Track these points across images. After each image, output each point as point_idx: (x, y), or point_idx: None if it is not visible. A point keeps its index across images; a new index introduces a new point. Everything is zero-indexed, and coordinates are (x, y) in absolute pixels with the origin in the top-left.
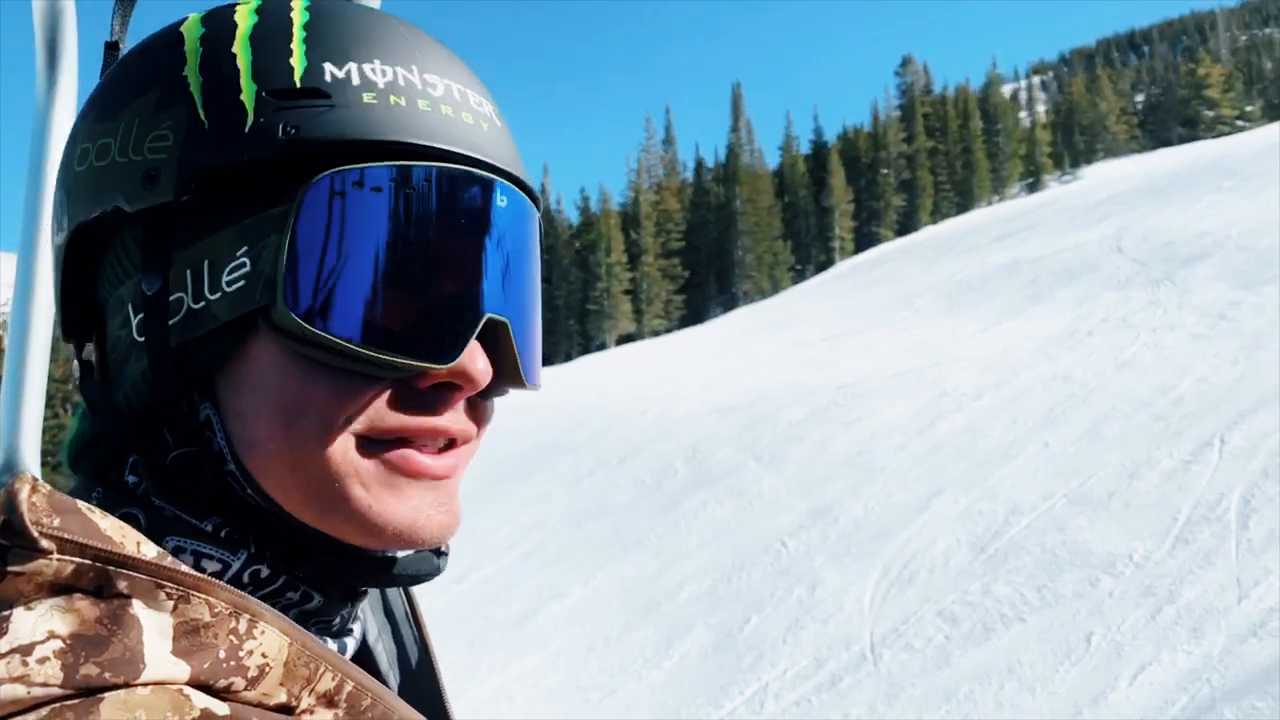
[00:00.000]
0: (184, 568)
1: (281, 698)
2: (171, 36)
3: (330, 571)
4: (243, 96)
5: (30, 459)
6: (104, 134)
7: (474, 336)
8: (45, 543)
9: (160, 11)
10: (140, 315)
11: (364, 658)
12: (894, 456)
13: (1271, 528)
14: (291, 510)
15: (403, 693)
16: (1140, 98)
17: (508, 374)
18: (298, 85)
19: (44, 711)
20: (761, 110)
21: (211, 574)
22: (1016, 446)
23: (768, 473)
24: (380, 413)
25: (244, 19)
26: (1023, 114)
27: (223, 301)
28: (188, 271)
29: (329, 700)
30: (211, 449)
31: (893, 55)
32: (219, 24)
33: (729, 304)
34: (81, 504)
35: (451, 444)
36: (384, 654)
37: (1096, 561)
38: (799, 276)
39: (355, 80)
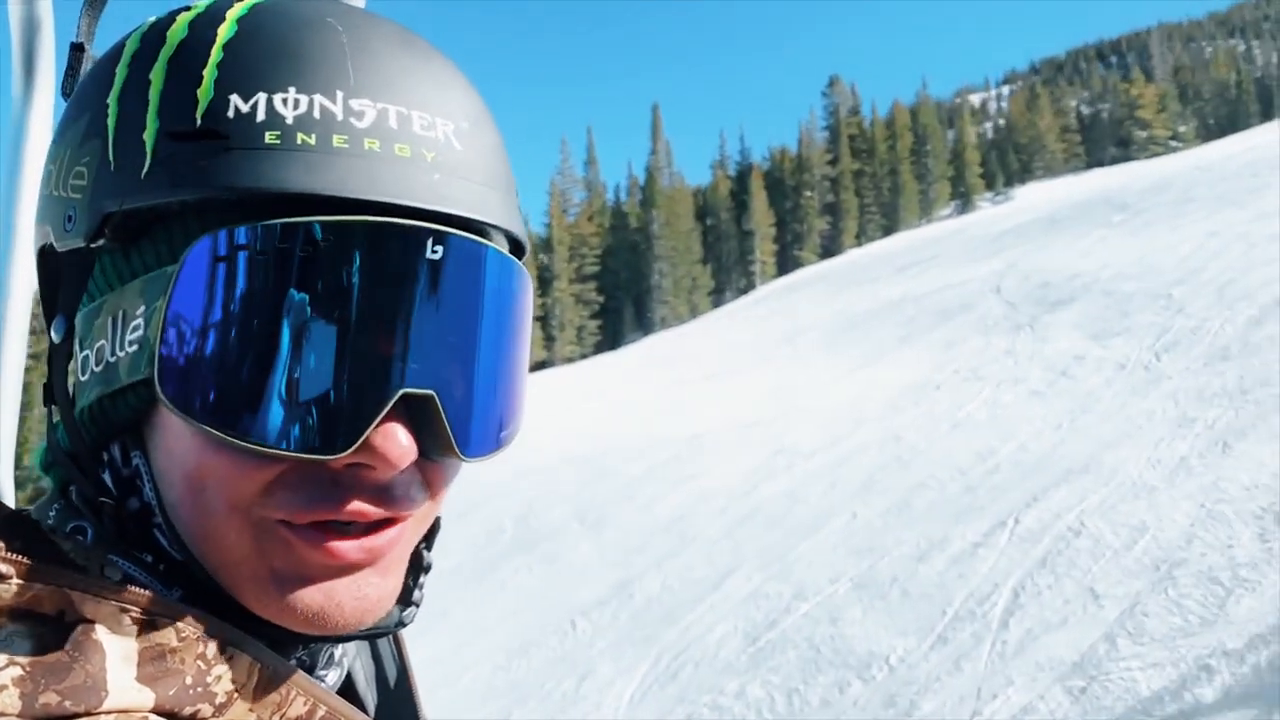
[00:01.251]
0: (150, 593)
1: None
2: (114, 50)
3: (265, 630)
4: (145, 135)
5: (4, 480)
6: (52, 158)
7: (381, 417)
8: (4, 567)
9: (131, 14)
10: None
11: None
12: (710, 523)
13: (1029, 628)
14: (212, 575)
15: (380, 713)
16: (1089, 112)
17: (440, 447)
18: (198, 123)
19: None
20: (694, 130)
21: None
22: (826, 517)
23: (587, 537)
24: (290, 496)
25: (175, 33)
26: (987, 124)
27: (123, 363)
28: (109, 319)
29: None
30: (142, 497)
31: (826, 74)
32: (153, 38)
33: (647, 329)
34: (45, 526)
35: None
36: (360, 672)
37: (855, 661)
38: (719, 301)
39: (260, 115)
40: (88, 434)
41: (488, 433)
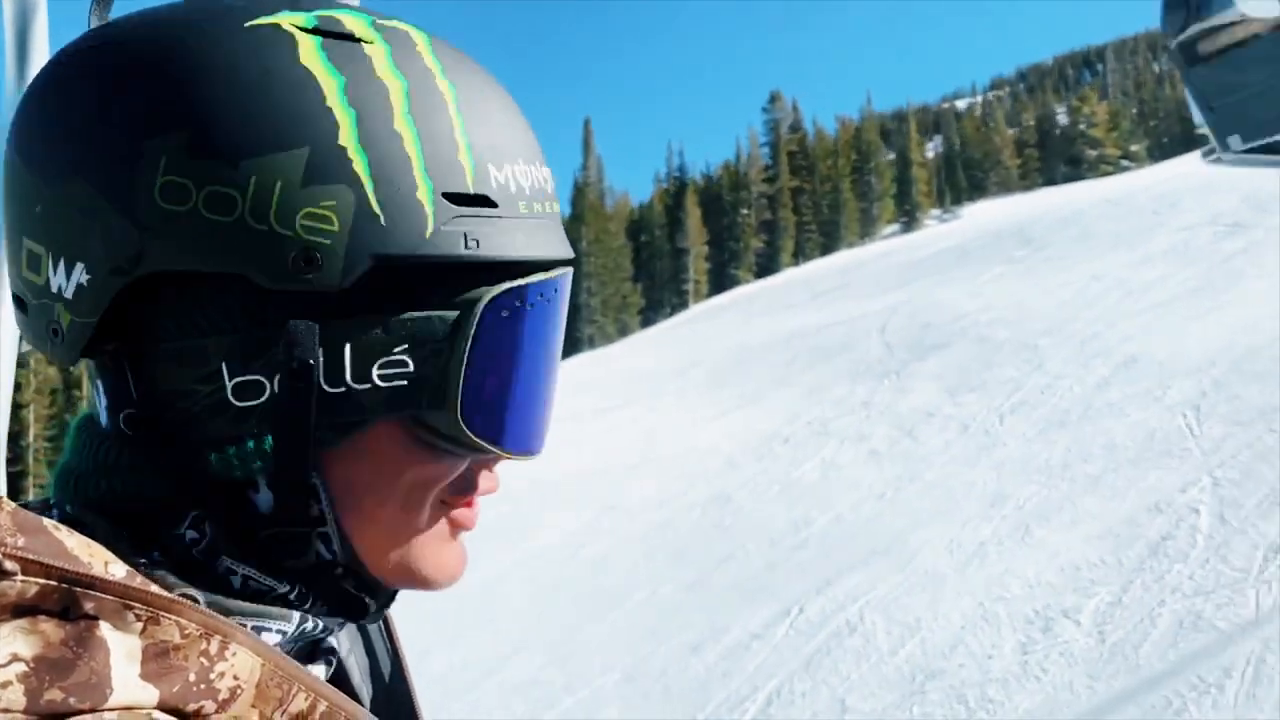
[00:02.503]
0: (154, 588)
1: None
2: (291, 67)
3: (356, 608)
4: (419, 195)
5: None
6: (217, 180)
7: None
8: (9, 563)
9: (136, 9)
10: (238, 378)
11: (336, 672)
12: (517, 593)
13: None
14: (371, 563)
15: (375, 706)
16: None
17: None
18: (470, 189)
19: None
20: (638, 145)
21: (274, 645)
22: (627, 592)
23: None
24: (468, 483)
25: (388, 76)
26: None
27: (374, 394)
28: (321, 351)
29: None
30: (309, 514)
31: (776, 88)
32: (359, 73)
33: (575, 348)
34: (48, 522)
35: None
36: (356, 667)
37: None
38: (650, 320)
39: (512, 187)
40: (240, 469)
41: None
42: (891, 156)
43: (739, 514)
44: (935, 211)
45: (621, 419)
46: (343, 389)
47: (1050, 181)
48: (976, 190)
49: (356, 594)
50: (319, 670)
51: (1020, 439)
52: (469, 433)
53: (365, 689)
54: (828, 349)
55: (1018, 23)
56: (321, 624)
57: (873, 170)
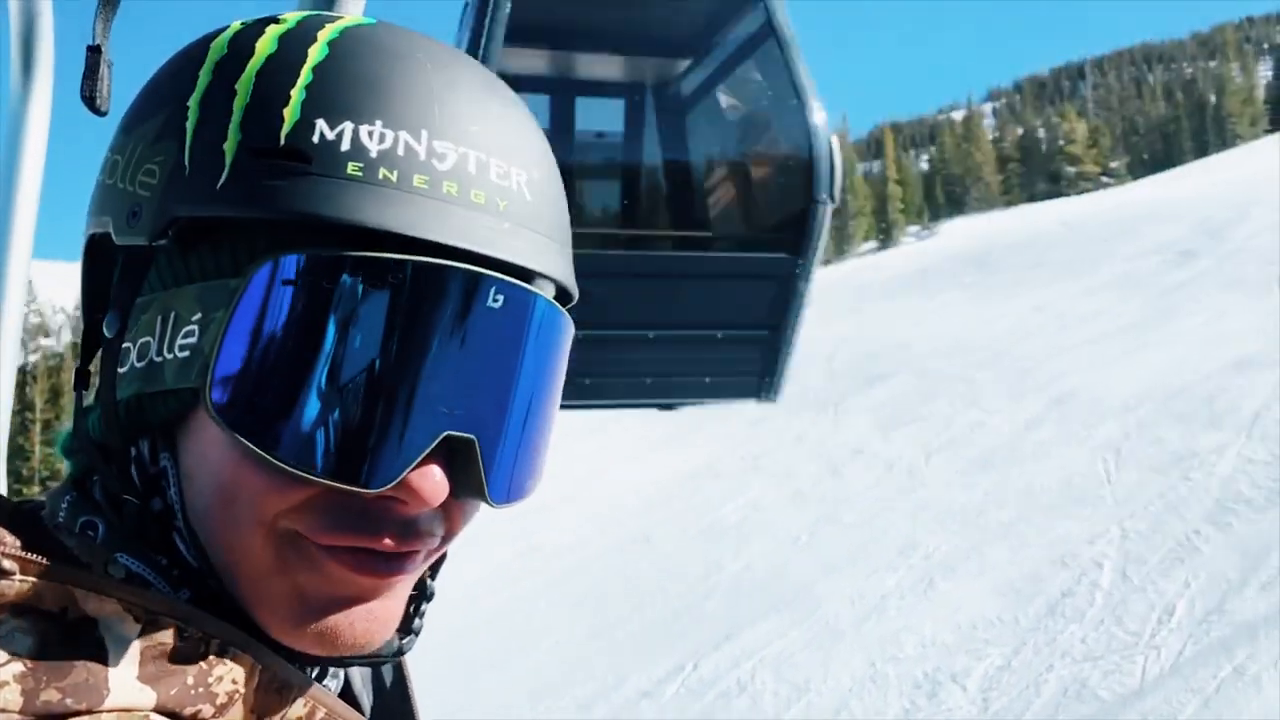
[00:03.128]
0: (153, 591)
1: None
2: (197, 50)
3: (269, 644)
4: (225, 145)
5: None
6: (118, 149)
7: (421, 457)
8: (7, 563)
9: (142, 13)
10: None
11: None
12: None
13: None
14: (227, 586)
15: (376, 712)
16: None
17: (471, 490)
18: (281, 142)
19: None
20: None
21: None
22: (532, 642)
23: None
24: (319, 518)
25: (264, 46)
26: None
27: (170, 366)
28: (158, 318)
29: None
30: (166, 498)
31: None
32: (241, 46)
33: None
34: (54, 520)
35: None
36: (357, 675)
37: None
38: None
39: (344, 145)
40: (118, 427)
41: (516, 481)
42: (928, 154)
43: (657, 556)
44: (914, 228)
45: (577, 450)
46: (161, 359)
47: (1032, 198)
48: (957, 206)
49: (244, 619)
50: (332, 683)
51: (942, 481)
52: (219, 418)
53: (366, 697)
54: None
55: (1017, 33)
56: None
57: (848, 188)
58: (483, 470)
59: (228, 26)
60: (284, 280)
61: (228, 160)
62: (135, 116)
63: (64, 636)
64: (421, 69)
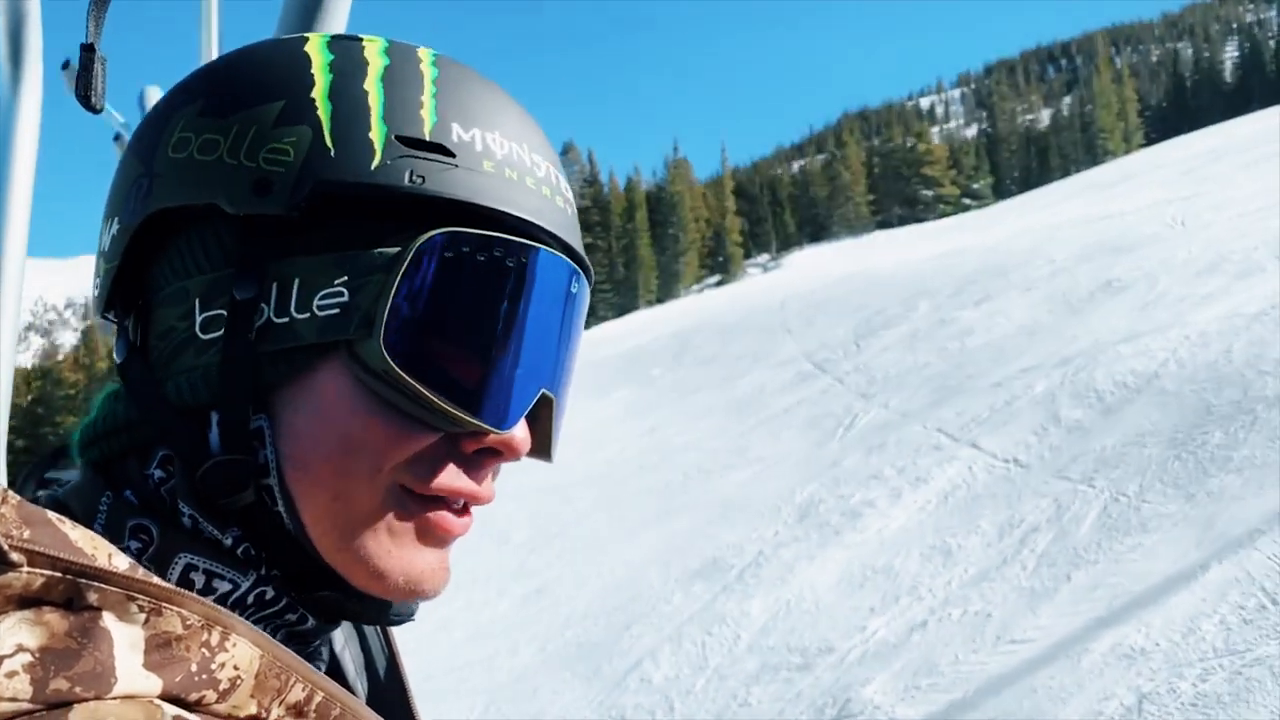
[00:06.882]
0: (156, 580)
1: (252, 709)
2: (296, 54)
3: (330, 605)
4: (372, 134)
5: None
6: (210, 129)
7: (530, 406)
8: (15, 555)
9: (129, 14)
10: (206, 313)
11: (331, 665)
12: None
13: None
14: (314, 537)
15: (370, 700)
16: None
17: (539, 446)
18: (427, 137)
19: None
20: None
21: (221, 595)
22: None
23: None
24: (429, 468)
25: (375, 58)
26: (935, 128)
27: (310, 323)
28: (274, 285)
29: (298, 711)
30: (256, 460)
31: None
32: (348, 56)
33: None
34: (52, 515)
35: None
36: (350, 662)
37: None
38: None
39: (478, 146)
40: (190, 396)
41: (557, 443)
42: (934, 133)
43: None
44: (764, 257)
45: None
46: (286, 319)
47: (885, 224)
48: (821, 230)
49: (318, 581)
50: (321, 654)
51: None
52: (393, 365)
53: (360, 684)
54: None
55: (991, 15)
56: (301, 614)
57: (677, 223)
58: (553, 429)
59: (304, 36)
60: (445, 251)
61: (378, 146)
62: (225, 104)
63: (70, 627)
64: (508, 96)
